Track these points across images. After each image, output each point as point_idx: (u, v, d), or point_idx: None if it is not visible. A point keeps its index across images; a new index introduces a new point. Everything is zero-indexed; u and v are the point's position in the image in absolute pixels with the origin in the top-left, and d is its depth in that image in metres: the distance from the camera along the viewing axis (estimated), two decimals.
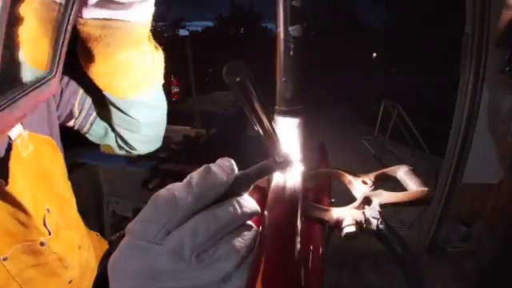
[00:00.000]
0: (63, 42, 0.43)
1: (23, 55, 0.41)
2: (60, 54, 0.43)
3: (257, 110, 0.23)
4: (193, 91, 3.42)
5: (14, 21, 0.30)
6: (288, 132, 0.39)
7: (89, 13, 0.44)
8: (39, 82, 0.38)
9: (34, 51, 0.42)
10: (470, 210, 2.02)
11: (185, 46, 3.48)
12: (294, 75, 0.37)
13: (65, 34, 0.42)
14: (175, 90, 5.73)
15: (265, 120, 0.25)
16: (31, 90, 0.35)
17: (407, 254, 0.38)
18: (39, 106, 0.40)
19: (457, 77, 1.95)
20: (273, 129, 0.26)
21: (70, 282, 0.53)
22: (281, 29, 0.37)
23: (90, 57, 0.50)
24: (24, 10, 0.37)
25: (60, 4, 0.39)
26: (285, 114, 0.40)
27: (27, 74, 0.37)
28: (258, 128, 0.26)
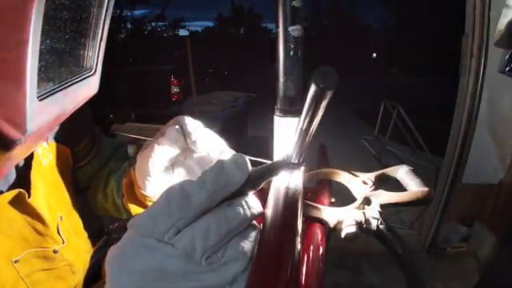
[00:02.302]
0: (101, 41, 0.42)
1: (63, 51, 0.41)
2: (99, 52, 0.43)
3: (316, 114, 0.23)
4: (193, 91, 3.42)
5: (56, 16, 0.30)
6: (288, 131, 0.39)
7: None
8: (78, 78, 0.38)
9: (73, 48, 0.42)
10: (470, 210, 2.02)
11: (185, 45, 3.48)
12: (295, 75, 0.38)
13: (102, 33, 0.42)
14: (175, 90, 5.72)
15: (314, 124, 0.25)
16: (70, 85, 0.35)
17: (407, 254, 0.38)
18: (77, 104, 0.39)
19: (457, 77, 1.95)
20: (310, 136, 0.26)
21: (75, 287, 0.53)
22: (281, 29, 0.37)
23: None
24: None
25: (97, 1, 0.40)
26: (285, 113, 0.40)
27: (67, 70, 0.36)
28: (301, 125, 0.25)
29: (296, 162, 0.29)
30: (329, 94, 0.20)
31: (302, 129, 0.26)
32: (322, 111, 0.23)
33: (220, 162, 0.24)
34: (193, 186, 0.22)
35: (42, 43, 0.26)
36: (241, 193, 0.25)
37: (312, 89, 0.20)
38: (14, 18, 0.23)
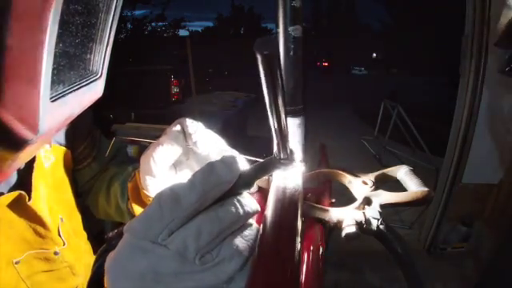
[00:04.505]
0: (107, 45, 0.43)
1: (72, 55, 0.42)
2: (105, 56, 0.43)
3: (277, 96, 0.23)
4: (193, 91, 3.42)
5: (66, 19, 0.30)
6: (288, 131, 0.39)
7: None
8: (86, 81, 0.39)
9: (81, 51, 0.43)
10: (470, 209, 2.02)
11: (185, 46, 3.48)
12: (295, 75, 0.37)
13: (109, 38, 0.43)
14: (175, 90, 5.73)
15: (281, 110, 0.24)
16: (78, 88, 0.36)
17: (407, 254, 0.38)
18: (84, 107, 0.40)
19: (457, 77, 1.95)
20: (285, 123, 0.26)
21: None
22: (281, 29, 0.37)
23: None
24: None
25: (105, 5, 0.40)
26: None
27: (76, 73, 0.37)
28: (271, 118, 0.25)
29: (285, 156, 0.29)
30: (276, 61, 0.20)
31: (273, 119, 0.25)
32: (281, 84, 0.22)
33: (210, 163, 0.24)
34: (183, 188, 0.23)
35: (55, 46, 0.27)
36: (234, 192, 0.25)
37: (259, 60, 0.20)
38: (32, 21, 0.24)
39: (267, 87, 0.22)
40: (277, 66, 0.21)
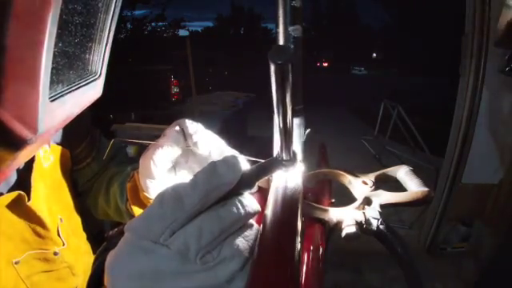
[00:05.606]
0: (107, 45, 0.43)
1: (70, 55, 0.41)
2: (104, 56, 0.43)
3: (286, 101, 0.23)
4: (193, 91, 3.42)
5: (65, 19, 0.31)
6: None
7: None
8: (85, 81, 0.39)
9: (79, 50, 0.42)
10: (470, 209, 2.02)
11: (185, 46, 3.48)
12: (294, 75, 0.37)
13: (108, 38, 0.43)
14: (175, 90, 5.72)
15: (289, 113, 0.25)
16: (78, 88, 0.36)
17: (407, 254, 0.38)
18: (83, 107, 0.40)
19: (457, 77, 1.95)
20: (291, 125, 0.26)
21: None
22: (281, 29, 0.37)
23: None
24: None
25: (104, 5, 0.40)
26: None
27: (75, 73, 0.37)
28: (277, 121, 0.25)
29: (288, 158, 0.29)
30: (289, 70, 0.21)
31: (280, 120, 0.25)
32: (291, 89, 0.23)
33: (212, 163, 0.24)
34: (185, 188, 0.23)
35: (54, 46, 0.27)
36: (235, 192, 0.25)
37: (272, 69, 0.20)
38: (31, 20, 0.24)
39: (276, 92, 0.23)
40: (289, 73, 0.21)
